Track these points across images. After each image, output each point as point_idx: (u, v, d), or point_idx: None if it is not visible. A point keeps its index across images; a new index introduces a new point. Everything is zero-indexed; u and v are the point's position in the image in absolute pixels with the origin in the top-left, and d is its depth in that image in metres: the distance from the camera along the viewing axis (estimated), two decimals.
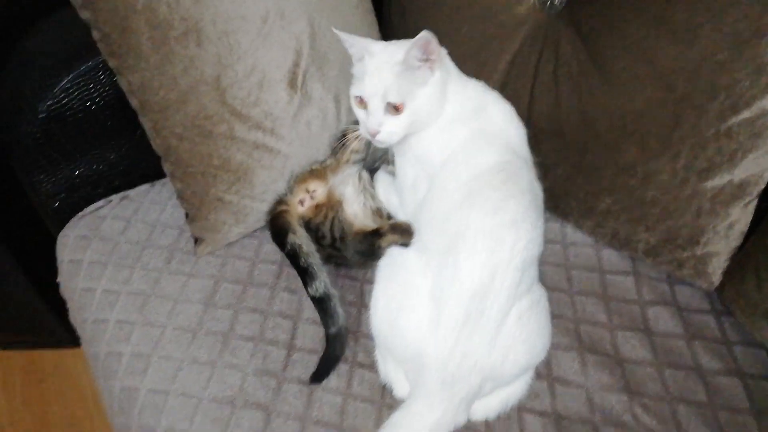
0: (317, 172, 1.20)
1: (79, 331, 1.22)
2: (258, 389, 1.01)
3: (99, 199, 1.37)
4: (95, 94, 1.26)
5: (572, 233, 1.23)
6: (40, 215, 1.40)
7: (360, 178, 1.19)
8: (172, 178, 1.22)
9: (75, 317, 1.24)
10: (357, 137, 1.08)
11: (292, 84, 1.17)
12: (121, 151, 1.36)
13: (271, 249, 1.22)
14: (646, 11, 1.03)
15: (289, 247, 1.11)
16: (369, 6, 1.32)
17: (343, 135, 1.21)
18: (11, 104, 1.26)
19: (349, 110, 1.25)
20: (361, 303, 1.14)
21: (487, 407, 0.97)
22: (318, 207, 1.16)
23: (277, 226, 1.15)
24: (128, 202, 1.36)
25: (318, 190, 1.17)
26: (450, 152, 0.98)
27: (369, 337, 1.07)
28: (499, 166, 0.95)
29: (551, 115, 1.17)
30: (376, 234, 1.09)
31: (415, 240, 1.01)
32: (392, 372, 1.00)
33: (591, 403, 0.99)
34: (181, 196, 1.23)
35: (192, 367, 1.05)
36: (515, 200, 0.93)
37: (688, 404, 0.97)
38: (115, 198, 1.37)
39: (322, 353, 1.04)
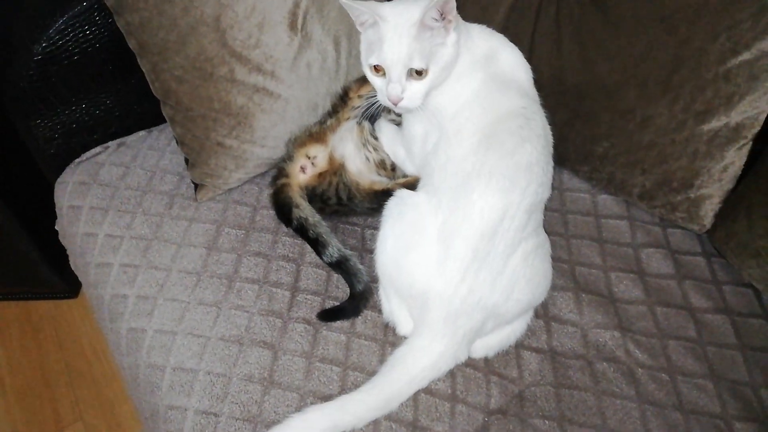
0: (316, 134, 1.19)
1: (82, 276, 1.23)
2: (264, 328, 1.04)
3: (95, 145, 1.36)
4: (91, 36, 1.24)
5: (568, 179, 1.25)
6: (35, 162, 1.39)
7: (361, 129, 1.19)
8: (172, 122, 1.21)
9: (77, 262, 1.25)
10: (372, 104, 1.07)
11: (292, 26, 1.16)
12: (118, 95, 1.35)
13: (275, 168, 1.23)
14: None
15: (295, 222, 1.12)
16: None
17: (345, 93, 1.21)
18: (5, 46, 1.24)
19: (348, 54, 1.25)
20: (362, 248, 1.16)
21: (487, 345, 1.00)
22: (321, 175, 1.16)
23: (280, 202, 1.15)
24: (126, 149, 1.35)
25: (319, 155, 1.17)
26: (463, 102, 0.98)
27: (372, 279, 1.10)
28: (515, 111, 0.96)
29: (552, 60, 1.18)
30: (386, 194, 1.10)
31: (424, 183, 1.02)
32: (396, 310, 1.03)
33: (585, 340, 1.03)
34: (181, 141, 1.23)
35: (198, 308, 1.07)
36: (530, 144, 0.94)
37: (678, 340, 1.02)
38: (112, 144, 1.36)
39: (345, 304, 1.06)
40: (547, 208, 1.18)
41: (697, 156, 1.06)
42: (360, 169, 1.16)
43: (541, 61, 1.19)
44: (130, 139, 1.37)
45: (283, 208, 1.14)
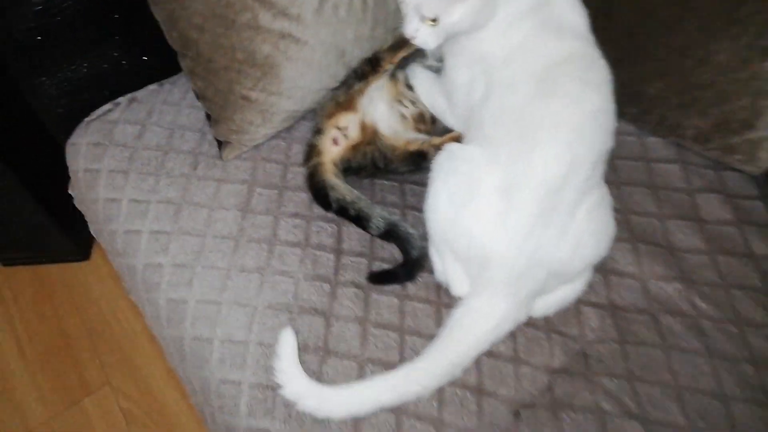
0: (345, 102, 1.10)
1: (107, 244, 1.16)
2: (312, 294, 0.99)
3: (105, 102, 1.26)
4: None
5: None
6: (40, 123, 1.30)
7: (394, 83, 1.11)
8: (192, 75, 1.12)
9: (100, 229, 1.18)
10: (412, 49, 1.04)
11: None
12: (124, 47, 1.25)
13: (302, 150, 1.15)
14: None
15: (334, 205, 1.05)
16: None
17: (376, 60, 1.11)
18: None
19: None
20: (403, 204, 1.10)
21: (548, 304, 0.96)
22: (355, 147, 1.08)
23: (315, 185, 1.07)
24: (138, 105, 1.26)
25: (350, 125, 1.08)
26: (514, 47, 0.91)
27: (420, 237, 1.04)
28: (574, 55, 0.90)
29: None
30: (421, 155, 1.04)
31: (474, 136, 0.95)
32: (450, 270, 0.98)
33: (647, 292, 1.00)
34: (202, 96, 1.14)
35: (240, 275, 1.01)
36: (596, 91, 0.88)
37: (744, 289, 0.99)
38: (123, 100, 1.26)
39: (399, 269, 1.01)
40: None
41: (760, 95, 1.00)
42: (395, 130, 1.09)
43: None
44: (141, 93, 1.28)
45: (319, 192, 1.07)
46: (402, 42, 1.05)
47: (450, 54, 1.01)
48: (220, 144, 1.18)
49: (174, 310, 1.01)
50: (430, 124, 1.13)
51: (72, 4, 1.12)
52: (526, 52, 0.91)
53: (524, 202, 0.87)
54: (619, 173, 1.12)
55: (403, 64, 1.15)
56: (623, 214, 1.07)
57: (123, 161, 1.17)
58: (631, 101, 1.14)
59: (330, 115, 1.09)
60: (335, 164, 1.07)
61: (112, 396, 1.55)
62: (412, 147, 1.06)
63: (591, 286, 1.00)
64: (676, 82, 1.06)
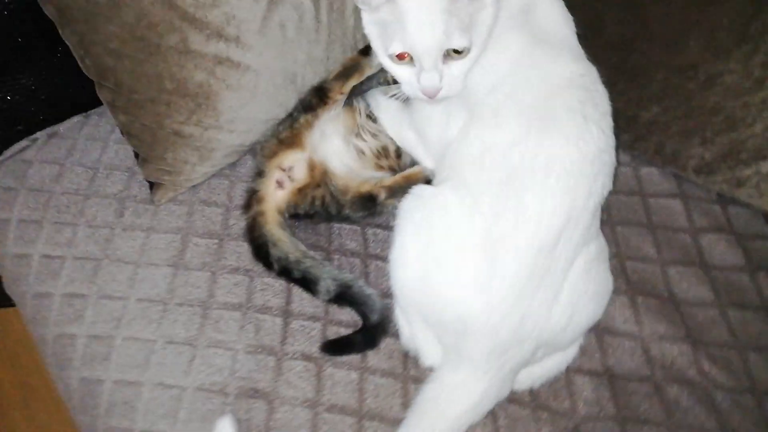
0: (288, 139, 0.94)
1: (19, 307, 0.99)
2: (253, 371, 0.83)
3: (21, 138, 1.09)
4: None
5: None
6: None
7: (353, 112, 0.96)
8: (113, 108, 0.96)
9: (11, 289, 1.00)
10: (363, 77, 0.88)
11: None
12: (41, 75, 1.08)
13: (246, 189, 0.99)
14: None
15: (276, 265, 0.89)
16: None
17: (323, 92, 0.96)
18: None
19: (330, 7, 1.00)
20: (365, 252, 0.95)
21: (534, 375, 0.82)
22: (301, 190, 0.92)
23: (255, 240, 0.91)
24: (59, 140, 1.09)
25: (295, 166, 0.93)
26: (500, 73, 0.75)
27: (382, 294, 0.89)
28: (572, 80, 0.74)
29: (588, 6, 0.94)
30: (370, 199, 0.89)
31: (447, 177, 0.80)
32: (419, 336, 0.82)
33: (648, 356, 0.85)
34: (127, 132, 0.98)
35: (167, 348, 0.85)
36: (597, 126, 0.73)
37: (761, 351, 0.84)
38: (41, 135, 1.09)
39: (357, 335, 0.85)
40: None
41: None
42: (351, 168, 0.93)
43: (576, 8, 0.96)
44: (63, 127, 1.11)
45: (260, 249, 0.90)
46: (351, 68, 0.90)
47: None
48: (152, 186, 1.01)
49: (88, 393, 0.84)
50: (394, 159, 0.97)
51: None
52: (515, 78, 0.76)
53: (511, 263, 0.72)
54: (612, 211, 0.98)
55: (363, 91, 1.00)
56: (619, 261, 0.93)
57: (36, 209, 1.00)
58: (625, 127, 1.00)
59: (272, 155, 0.93)
60: (280, 212, 0.92)
61: None
62: (363, 189, 0.90)
63: (584, 350, 0.85)
64: (677, 106, 0.93)
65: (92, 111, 1.14)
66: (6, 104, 1.07)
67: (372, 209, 0.91)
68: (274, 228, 0.90)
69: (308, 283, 0.87)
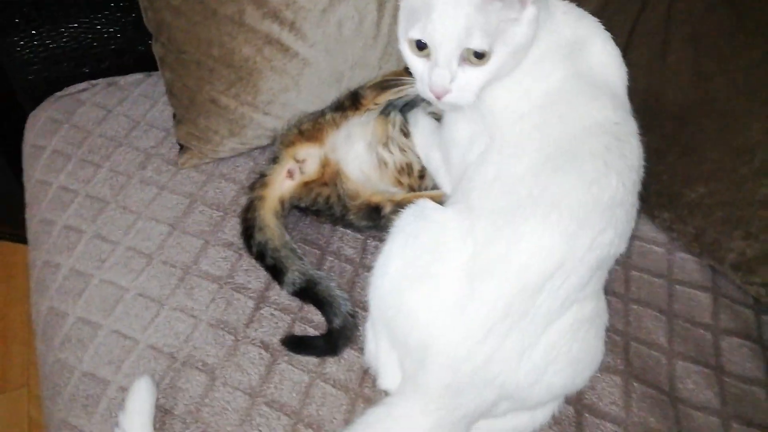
0: (308, 132, 0.93)
1: (27, 230, 1.02)
2: (209, 344, 0.80)
3: (84, 79, 1.15)
4: None
5: (641, 224, 0.96)
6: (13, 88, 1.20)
7: (386, 122, 0.94)
8: (162, 64, 1.00)
9: (27, 212, 1.04)
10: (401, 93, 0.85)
11: None
12: (116, 25, 1.14)
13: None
14: None
15: (254, 248, 0.87)
16: None
17: (356, 98, 0.95)
18: None
19: (393, 19, 0.99)
20: (360, 262, 0.91)
21: (492, 429, 0.74)
22: (307, 185, 0.90)
23: (245, 222, 0.90)
24: (115, 90, 1.14)
25: (309, 159, 0.91)
26: (533, 103, 0.71)
27: (360, 305, 0.85)
28: (604, 126, 0.69)
29: (651, 68, 0.90)
30: (377, 210, 0.87)
31: (457, 200, 0.75)
32: (383, 355, 0.77)
33: None
34: (170, 90, 1.01)
35: (137, 300, 0.84)
36: (618, 176, 0.67)
37: None
38: (101, 82, 1.15)
39: (319, 338, 0.82)
40: None
41: None
42: (368, 176, 0.91)
43: (637, 68, 0.89)
44: (123, 79, 1.16)
45: (246, 230, 0.89)
46: (390, 82, 0.88)
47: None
48: (181, 148, 1.03)
49: (50, 323, 0.84)
50: (416, 178, 0.94)
51: None
52: (547, 111, 0.71)
53: (489, 296, 0.66)
54: (631, 287, 0.90)
55: (405, 106, 0.98)
56: (624, 339, 0.85)
57: (71, 144, 1.04)
58: (667, 204, 0.93)
59: (289, 144, 0.92)
60: (281, 201, 0.90)
61: (25, 400, 1.39)
62: (374, 199, 0.87)
63: (558, 420, 0.77)
64: (725, 190, 0.85)
65: (155, 72, 1.18)
66: (78, 45, 1.13)
67: (376, 221, 0.88)
68: (267, 214, 0.88)
69: (277, 272, 0.84)
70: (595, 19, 0.77)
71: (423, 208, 0.75)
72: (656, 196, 0.94)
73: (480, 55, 0.67)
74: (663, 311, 0.87)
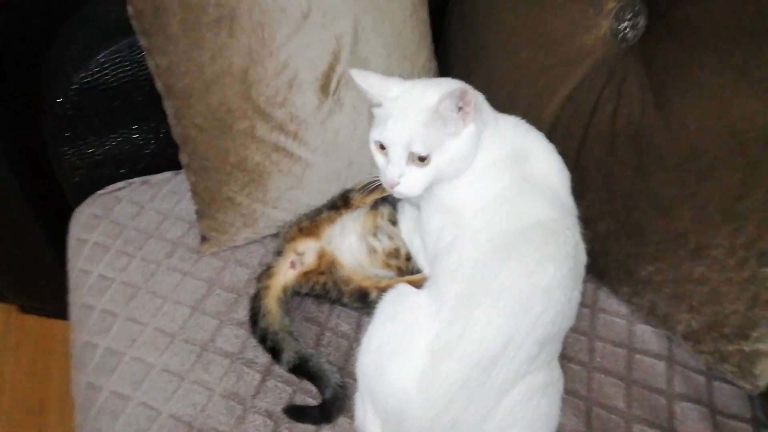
0: (306, 229, 1.08)
1: (70, 314, 1.18)
2: (221, 413, 0.93)
3: (122, 179, 1.33)
4: (131, 72, 1.22)
5: (605, 298, 1.08)
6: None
7: (375, 215, 1.09)
8: (187, 169, 1.16)
9: (70, 297, 1.20)
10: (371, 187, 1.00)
11: (324, 88, 1.09)
12: (150, 133, 1.32)
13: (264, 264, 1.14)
14: (727, 58, 0.88)
15: (258, 333, 1.01)
16: (424, 16, 1.21)
17: (346, 199, 1.11)
18: (51, 72, 1.25)
19: None
20: (354, 336, 1.04)
21: None
22: (306, 275, 1.05)
23: (253, 309, 1.04)
24: (148, 187, 1.31)
25: (307, 252, 1.06)
26: (485, 202, 0.87)
27: (354, 377, 0.97)
28: (544, 223, 0.84)
29: (602, 162, 1.03)
30: (364, 294, 1.01)
31: (431, 284, 0.89)
32: (369, 421, 0.89)
33: None
34: (194, 190, 1.17)
35: (162, 375, 0.98)
36: (554, 265, 0.81)
37: None
38: (136, 181, 1.32)
39: (315, 408, 0.94)
40: (574, 330, 1.02)
41: (756, 302, 0.88)
42: (360, 263, 1.05)
43: (591, 161, 1.05)
44: (155, 178, 1.34)
45: (253, 316, 1.03)
46: (373, 184, 1.03)
47: (425, 199, 0.96)
48: (203, 239, 1.19)
49: (88, 397, 0.98)
50: (404, 260, 1.08)
51: (105, 89, 1.21)
52: (496, 209, 0.87)
53: (451, 370, 0.79)
54: (595, 357, 1.01)
55: (394, 199, 1.13)
56: (586, 404, 0.95)
57: (110, 236, 1.20)
58: (624, 280, 1.05)
59: (291, 240, 1.08)
60: (285, 289, 1.04)
61: None
62: (364, 284, 1.01)
63: None
64: (668, 269, 0.96)
65: (181, 171, 1.36)
66: (119, 152, 1.31)
67: (366, 303, 1.01)
68: (271, 302, 1.02)
69: (275, 352, 0.98)
70: (539, 133, 0.92)
71: (399, 292, 0.90)
72: (615, 273, 1.06)
73: (423, 158, 0.82)
74: (623, 378, 0.98)
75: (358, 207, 1.07)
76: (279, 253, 1.08)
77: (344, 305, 1.05)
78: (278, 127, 1.09)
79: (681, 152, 0.93)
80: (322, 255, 1.05)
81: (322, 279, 1.03)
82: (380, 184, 0.91)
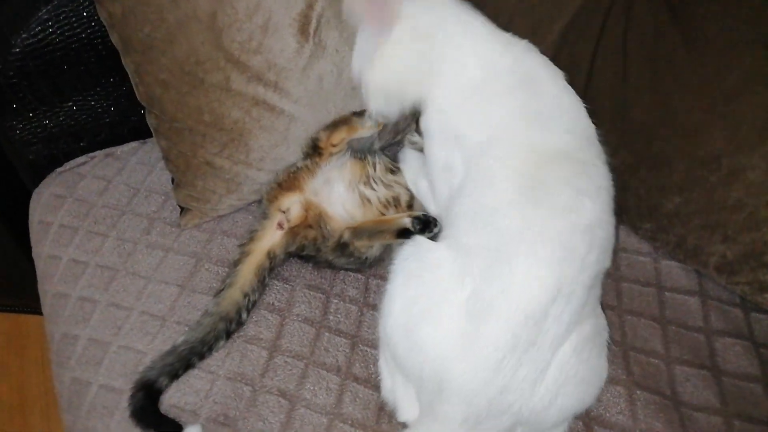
0: (286, 183, 0.98)
1: (42, 305, 1.06)
2: (229, 397, 0.84)
3: (82, 153, 1.20)
4: (78, 29, 1.08)
5: (625, 237, 1.01)
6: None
7: (364, 162, 0.99)
8: (157, 134, 1.04)
9: (40, 287, 1.08)
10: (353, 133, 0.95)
11: (303, 30, 0.97)
12: (108, 99, 1.19)
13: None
14: None
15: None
16: None
17: (315, 145, 1.01)
18: None
19: None
20: (364, 301, 0.95)
21: None
22: (294, 230, 0.95)
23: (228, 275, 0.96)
24: (113, 160, 1.18)
25: (292, 207, 0.96)
26: (492, 129, 0.77)
27: (369, 344, 0.89)
28: (566, 153, 0.75)
29: (615, 91, 0.95)
30: (344, 245, 0.92)
31: (447, 235, 0.80)
32: (400, 389, 0.81)
33: None
34: (166, 157, 1.06)
35: None
36: (590, 199, 0.72)
37: None
38: (98, 154, 1.20)
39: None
40: None
41: None
42: (352, 215, 0.95)
43: (602, 91, 0.97)
44: (120, 149, 1.21)
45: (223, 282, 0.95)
46: (340, 122, 0.94)
47: (424, 131, 0.86)
48: (182, 210, 1.07)
49: (75, 393, 0.88)
50: (405, 209, 0.99)
51: (51, 51, 1.07)
52: (505, 143, 0.77)
53: (495, 331, 0.70)
54: (623, 299, 0.94)
55: (389, 147, 1.04)
56: (622, 349, 0.89)
57: (77, 217, 1.08)
58: (647, 215, 0.98)
59: (273, 199, 0.98)
60: (270, 254, 0.95)
61: None
62: (345, 236, 0.92)
63: None
64: (699, 198, 0.90)
65: (149, 139, 1.23)
66: (75, 122, 1.18)
67: (348, 254, 0.92)
68: (246, 269, 0.93)
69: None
70: (541, 56, 0.82)
71: (419, 245, 0.80)
72: (636, 209, 0.98)
73: None
74: (656, 319, 0.92)
75: (331, 153, 0.97)
76: (264, 215, 0.98)
77: (335, 265, 0.96)
78: (255, 78, 0.97)
79: (707, 70, 0.85)
80: (308, 207, 0.95)
81: (311, 233, 0.94)
82: (344, 120, 0.87)
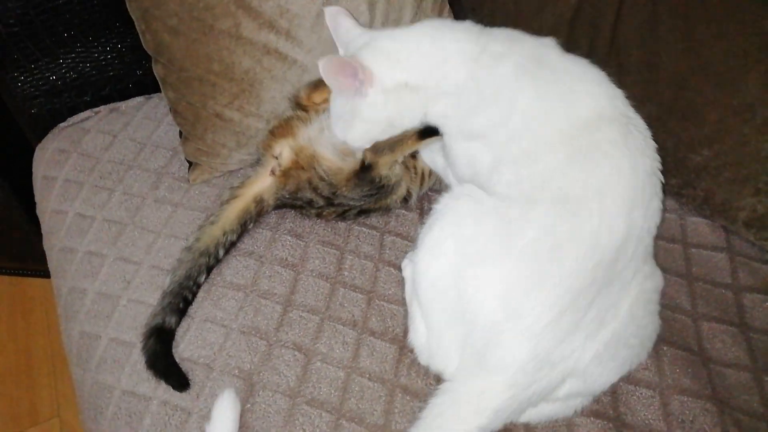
0: (278, 129, 0.95)
1: (48, 260, 1.03)
2: (242, 351, 0.81)
3: (85, 108, 1.16)
4: None
5: None
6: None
7: None
8: (164, 84, 1.00)
9: (45, 243, 1.05)
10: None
11: None
12: (113, 51, 1.15)
13: None
14: None
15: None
16: None
17: (297, 102, 0.97)
18: None
19: (385, 18, 1.02)
20: (378, 257, 0.92)
21: (539, 412, 0.75)
22: (286, 173, 0.92)
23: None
24: (118, 115, 1.15)
25: (283, 152, 0.93)
26: (517, 119, 0.76)
27: (385, 298, 0.86)
28: (604, 112, 0.74)
29: (644, 40, 0.91)
30: (367, 169, 0.87)
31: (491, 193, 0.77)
32: (435, 340, 0.77)
33: (666, 410, 0.77)
34: (174, 108, 1.02)
35: None
36: (642, 154, 0.73)
37: None
38: (103, 109, 1.16)
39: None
40: None
41: None
42: (344, 154, 0.91)
43: (629, 41, 0.93)
44: (125, 104, 1.17)
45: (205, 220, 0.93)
46: (321, 81, 0.90)
47: (440, 127, 0.85)
48: (191, 165, 1.04)
49: (84, 347, 0.85)
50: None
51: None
52: (537, 120, 0.75)
53: (570, 271, 0.68)
54: None
55: None
56: None
57: (82, 171, 1.05)
58: (673, 170, 0.94)
59: (267, 146, 0.95)
60: (257, 199, 0.92)
61: (58, 430, 1.40)
62: (358, 165, 0.89)
63: None
64: (730, 150, 0.86)
65: (155, 94, 1.20)
66: (78, 75, 1.14)
67: (373, 181, 0.88)
68: (230, 210, 0.92)
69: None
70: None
71: (471, 193, 0.77)
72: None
73: None
74: (682, 275, 0.89)
75: (317, 110, 0.94)
76: (258, 162, 0.96)
77: (343, 202, 0.92)
78: (267, 25, 0.93)
79: (744, 16, 0.82)
80: (299, 151, 0.92)
81: (304, 175, 0.90)
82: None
